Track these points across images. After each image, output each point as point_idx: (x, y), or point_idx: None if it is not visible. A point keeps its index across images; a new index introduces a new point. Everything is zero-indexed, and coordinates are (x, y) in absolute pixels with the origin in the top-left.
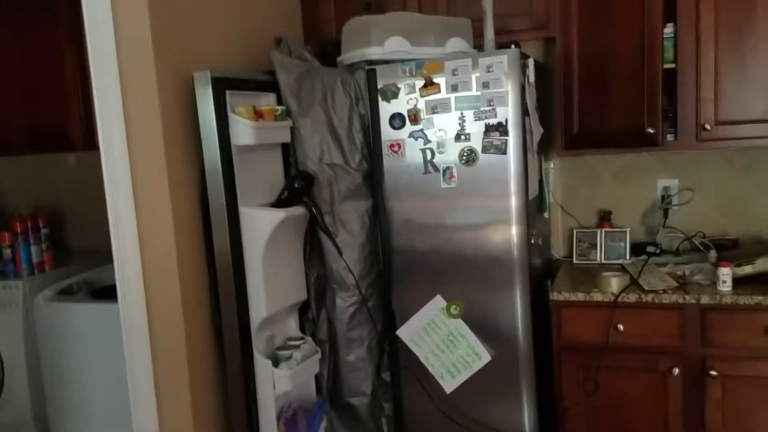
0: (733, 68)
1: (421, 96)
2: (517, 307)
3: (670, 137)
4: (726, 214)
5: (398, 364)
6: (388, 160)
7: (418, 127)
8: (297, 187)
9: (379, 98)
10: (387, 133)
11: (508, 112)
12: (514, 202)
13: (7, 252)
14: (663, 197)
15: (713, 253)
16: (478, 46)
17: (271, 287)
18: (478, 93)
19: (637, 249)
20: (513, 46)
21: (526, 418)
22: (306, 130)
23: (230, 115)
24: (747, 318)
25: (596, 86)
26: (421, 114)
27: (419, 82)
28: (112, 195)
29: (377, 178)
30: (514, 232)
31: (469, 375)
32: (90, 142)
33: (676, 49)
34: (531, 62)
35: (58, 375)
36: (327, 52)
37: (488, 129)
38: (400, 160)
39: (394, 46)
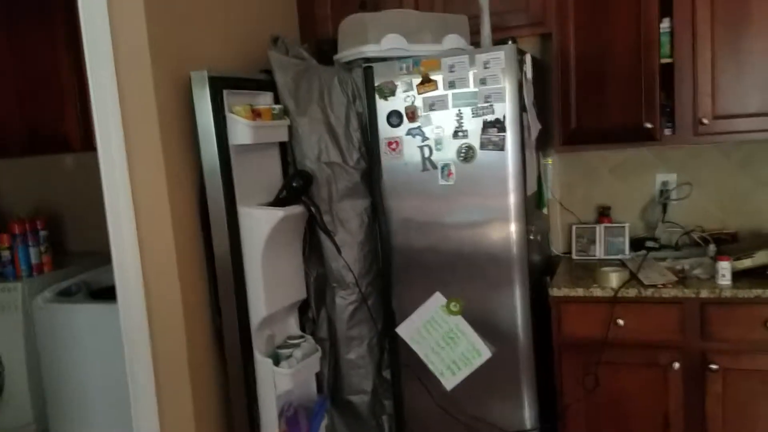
0: (729, 62)
1: (419, 93)
2: (517, 304)
3: (667, 132)
4: (725, 208)
5: (398, 362)
6: (386, 158)
7: (415, 125)
8: (295, 186)
9: (377, 96)
10: (385, 130)
11: (505, 109)
12: (512, 198)
13: (6, 254)
14: (661, 192)
15: (712, 247)
16: (475, 43)
17: (270, 286)
18: (476, 89)
19: (637, 244)
20: (510, 42)
21: (527, 414)
22: (304, 129)
23: (228, 114)
24: (746, 311)
25: (593, 82)
26: (419, 111)
27: (416, 80)
28: (110, 196)
29: (375, 176)
30: (513, 228)
31: (470, 372)
32: (87, 143)
33: (673, 44)
34: (528, 58)
35: (58, 376)
36: (324, 50)
37: (486, 125)
38: (398, 158)
39: (391, 43)
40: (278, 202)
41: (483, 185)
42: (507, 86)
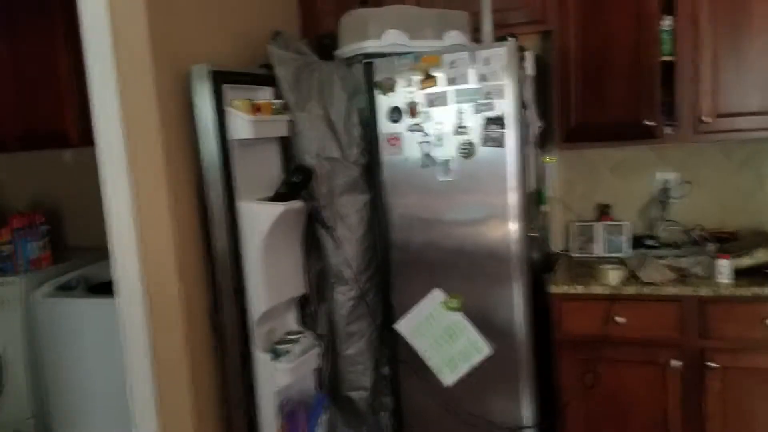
0: (730, 61)
1: (419, 89)
2: (516, 301)
3: (668, 130)
4: (725, 207)
5: (397, 358)
6: (386, 153)
7: (416, 121)
8: (295, 182)
9: (377, 92)
10: (385, 126)
11: (506, 105)
12: (512, 195)
13: (6, 248)
14: (662, 190)
15: (712, 246)
16: (476, 39)
17: (270, 281)
18: (476, 86)
19: (636, 242)
20: (511, 39)
21: (526, 411)
22: (304, 124)
23: (228, 109)
24: (746, 309)
25: (594, 79)
26: (419, 107)
27: (417, 76)
28: (109, 191)
29: (375, 171)
30: (513, 225)
31: (469, 368)
32: (87, 137)
33: (674, 42)
34: (529, 55)
35: (57, 371)
36: (324, 45)
37: (486, 122)
38: (398, 154)
39: (392, 39)
40: (278, 197)
41: (483, 182)
42: (508, 83)
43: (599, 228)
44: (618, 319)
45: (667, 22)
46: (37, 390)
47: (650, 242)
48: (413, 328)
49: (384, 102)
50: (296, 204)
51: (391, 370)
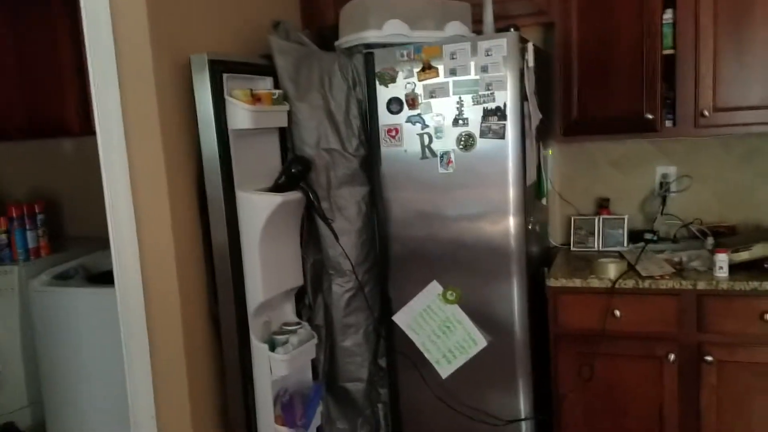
0: (731, 54)
1: (420, 80)
2: (514, 294)
3: (668, 123)
4: (724, 202)
5: (394, 350)
6: (385, 145)
7: (416, 112)
8: (294, 172)
9: (377, 82)
10: (385, 118)
11: (506, 97)
12: (512, 188)
13: (4, 237)
14: (661, 184)
15: (711, 240)
16: (478, 31)
17: (267, 272)
18: (477, 77)
19: (635, 236)
20: (512, 30)
21: (522, 404)
22: (303, 115)
23: (227, 98)
24: (743, 304)
25: (595, 72)
26: (419, 98)
27: (417, 66)
28: (108, 180)
29: (374, 163)
30: (512, 218)
31: (465, 360)
32: (87, 127)
33: (675, 35)
34: (530, 46)
35: (54, 360)
36: (325, 36)
37: (486, 114)
38: (397, 146)
39: (393, 29)
40: (277, 187)
41: (482, 174)
42: (508, 74)
43: (598, 222)
44: (615, 312)
45: (668, 15)
46: (34, 379)
47: (649, 236)
48: (411, 320)
49: (384, 93)
50: (295, 195)
51: (388, 361)
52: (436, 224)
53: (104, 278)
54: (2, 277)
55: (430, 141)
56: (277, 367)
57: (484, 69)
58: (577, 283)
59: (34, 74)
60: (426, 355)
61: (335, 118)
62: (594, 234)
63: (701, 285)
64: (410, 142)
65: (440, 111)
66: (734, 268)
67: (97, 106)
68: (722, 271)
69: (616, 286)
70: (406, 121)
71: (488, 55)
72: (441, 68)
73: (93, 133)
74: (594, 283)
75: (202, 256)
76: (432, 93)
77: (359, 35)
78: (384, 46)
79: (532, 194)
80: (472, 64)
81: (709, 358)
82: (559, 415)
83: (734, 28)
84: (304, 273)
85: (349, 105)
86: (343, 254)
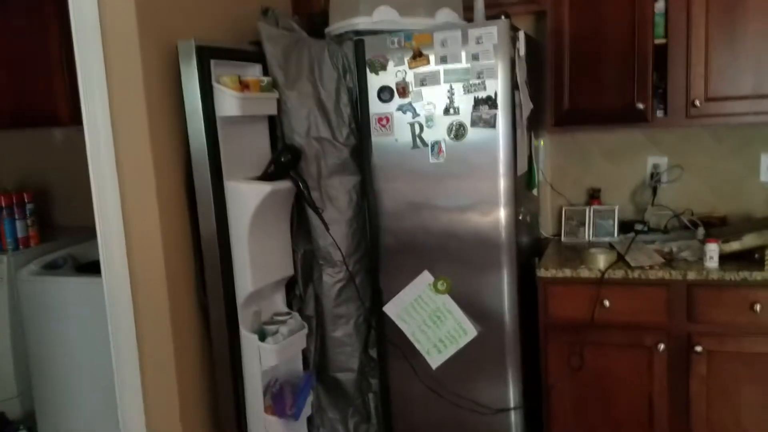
0: (723, 44)
1: (410, 68)
2: (504, 285)
3: (660, 114)
4: (715, 192)
5: (385, 340)
6: (376, 134)
7: (406, 101)
8: (284, 161)
9: (368, 70)
10: (375, 106)
11: (497, 86)
12: (503, 178)
13: None
14: (652, 175)
15: (701, 231)
16: (469, 18)
17: (257, 262)
18: (468, 65)
19: (626, 227)
20: (503, 18)
21: (511, 393)
22: (293, 103)
23: (215, 85)
24: (733, 294)
25: (587, 62)
26: (410, 87)
27: (408, 54)
28: (95, 169)
29: (365, 152)
30: (503, 209)
31: (456, 350)
32: (76, 116)
33: (667, 25)
34: (521, 35)
35: (43, 349)
36: (315, 22)
37: (477, 102)
38: (388, 135)
39: (383, 15)
40: (266, 176)
41: (473, 164)
42: (499, 63)
43: (589, 212)
44: (605, 302)
45: (659, 4)
46: (24, 369)
47: (639, 227)
48: (401, 310)
49: (374, 81)
50: (284, 184)
51: (379, 352)
52: (427, 214)
53: (93, 268)
54: None
55: (421, 130)
56: (266, 357)
57: (475, 57)
58: (567, 273)
59: (23, 63)
60: (416, 345)
61: (325, 107)
62: (585, 224)
63: (691, 275)
64: (401, 131)
65: (431, 100)
66: (724, 259)
67: (84, 95)
68: (712, 262)
69: (606, 276)
70: (397, 110)
71: (479, 43)
72: (432, 56)
73: (82, 122)
74: (584, 273)
75: (190, 246)
76: (423, 81)
77: (349, 22)
78: (374, 33)
79: (523, 185)
80: (463, 52)
81: (698, 348)
82: (549, 405)
83: (726, 17)
84: (295, 263)
85: (339, 93)
86: (333, 244)
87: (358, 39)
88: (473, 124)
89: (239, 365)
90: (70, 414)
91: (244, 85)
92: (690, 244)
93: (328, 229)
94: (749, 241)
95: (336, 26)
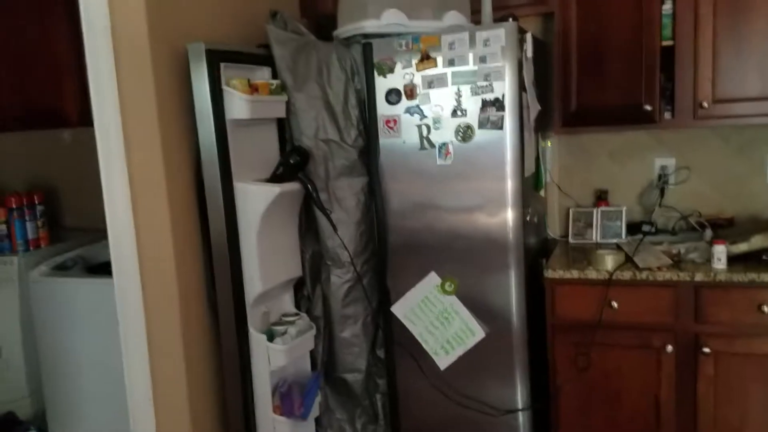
0: (730, 46)
1: (418, 70)
2: (512, 286)
3: (667, 115)
4: (722, 193)
5: (392, 341)
6: (383, 136)
7: (414, 103)
8: (292, 163)
9: (375, 73)
10: (383, 108)
11: (504, 88)
12: (510, 179)
13: (3, 228)
14: (660, 176)
15: (709, 232)
16: (476, 21)
17: (266, 263)
18: (475, 68)
19: (633, 228)
20: (510, 20)
21: (519, 394)
22: (301, 105)
23: (225, 88)
24: (741, 295)
25: (594, 63)
26: (418, 89)
27: (416, 57)
28: (106, 171)
29: (373, 154)
30: (510, 210)
31: (463, 351)
32: (85, 118)
33: (674, 27)
34: (529, 37)
35: (54, 350)
36: (323, 25)
37: (485, 104)
38: (395, 137)
39: (391, 18)
40: (275, 178)
41: (481, 166)
42: (507, 65)
43: (596, 214)
44: (613, 303)
45: (667, 6)
46: (34, 369)
47: (647, 228)
48: (409, 311)
49: (382, 83)
50: (293, 186)
51: (386, 352)
52: (435, 215)
53: (103, 269)
54: (2, 268)
55: (429, 132)
56: (275, 357)
57: (482, 59)
58: (575, 274)
59: (32, 64)
60: (424, 345)
61: (333, 109)
62: (592, 226)
63: (699, 276)
64: (408, 133)
65: (438, 102)
66: (732, 260)
67: (95, 96)
68: (720, 263)
69: (614, 277)
70: (405, 112)
71: (486, 45)
72: (439, 58)
73: (91, 123)
74: (591, 274)
75: (200, 247)
76: (430, 83)
77: (357, 25)
78: (382, 36)
79: (530, 186)
80: (471, 54)
81: (706, 349)
82: (556, 405)
83: (733, 19)
84: (303, 264)
85: (347, 95)
86: (341, 245)
87: (366, 42)
88: (481, 125)
89: (248, 365)
90: (81, 414)
91: (253, 88)
92: (698, 245)
93: (336, 231)
94: (757, 242)
95: (344, 29)
